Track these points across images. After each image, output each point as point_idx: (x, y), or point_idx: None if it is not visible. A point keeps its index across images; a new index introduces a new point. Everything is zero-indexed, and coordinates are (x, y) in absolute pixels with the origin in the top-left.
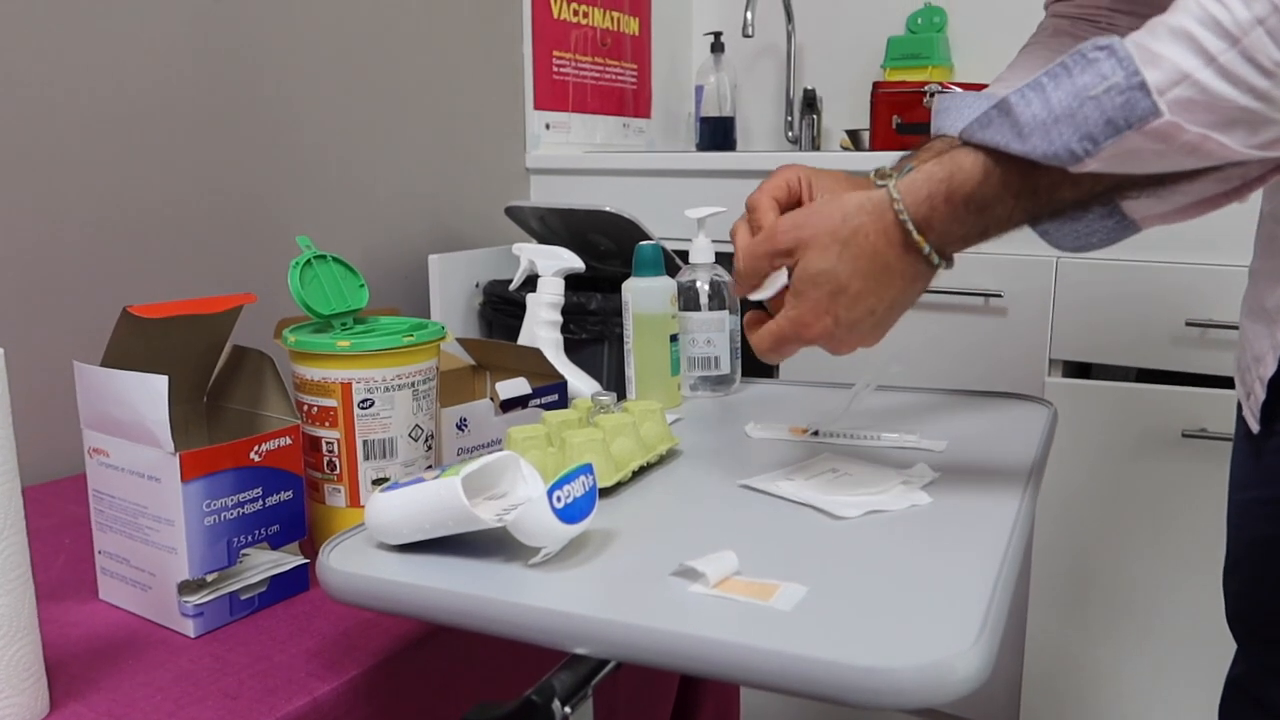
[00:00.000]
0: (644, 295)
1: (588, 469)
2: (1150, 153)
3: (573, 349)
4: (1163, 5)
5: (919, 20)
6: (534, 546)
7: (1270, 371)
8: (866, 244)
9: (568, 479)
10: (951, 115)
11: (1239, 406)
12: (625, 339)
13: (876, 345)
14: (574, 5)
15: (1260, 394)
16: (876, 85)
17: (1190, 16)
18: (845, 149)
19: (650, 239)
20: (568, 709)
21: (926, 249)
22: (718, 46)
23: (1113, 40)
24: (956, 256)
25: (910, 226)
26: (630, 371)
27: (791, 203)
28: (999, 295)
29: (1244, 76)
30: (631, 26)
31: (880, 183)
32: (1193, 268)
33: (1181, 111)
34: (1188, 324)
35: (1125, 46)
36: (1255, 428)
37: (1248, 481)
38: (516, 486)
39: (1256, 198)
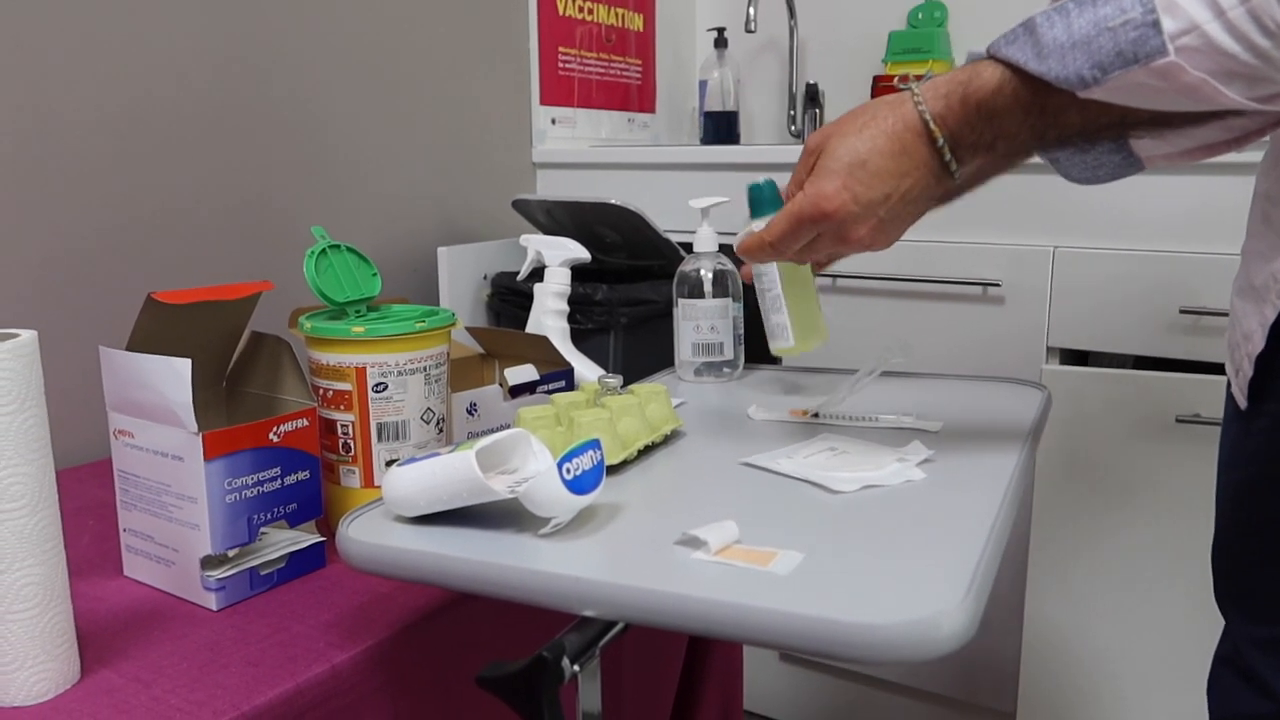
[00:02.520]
0: None
1: (595, 444)
2: (1151, 89)
3: (579, 339)
4: None
5: (920, 15)
6: (544, 517)
7: (1259, 348)
8: (885, 125)
9: (577, 452)
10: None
11: (1228, 387)
12: (767, 286)
13: (887, 248)
14: (579, 2)
15: (1248, 370)
16: (877, 79)
17: None
18: None
19: (655, 230)
20: (576, 667)
21: (940, 140)
22: (721, 42)
23: None
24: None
25: (927, 116)
26: (782, 316)
27: None
28: (997, 285)
29: (1247, 33)
30: (636, 22)
31: (903, 86)
32: (1186, 256)
33: (1187, 56)
34: (1181, 311)
35: None
36: (1243, 404)
37: (1236, 461)
38: (527, 462)
39: (1249, 181)
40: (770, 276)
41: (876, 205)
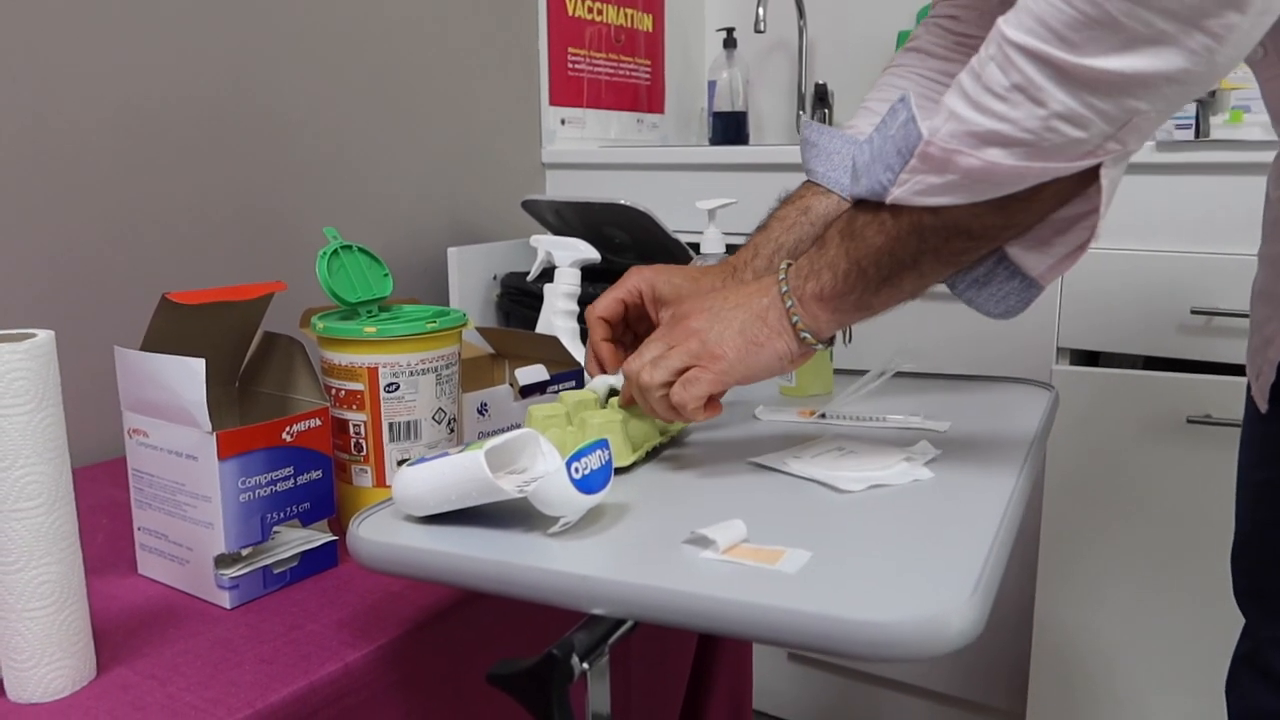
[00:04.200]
0: None
1: (604, 443)
2: (932, 175)
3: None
4: None
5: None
6: (553, 516)
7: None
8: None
9: (585, 452)
10: (820, 160)
11: (1249, 389)
12: None
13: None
14: (588, 2)
15: (1270, 375)
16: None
17: (965, 69)
18: None
19: (664, 231)
20: (586, 665)
21: (783, 273)
22: (730, 42)
23: (907, 94)
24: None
25: (782, 265)
26: None
27: (629, 316)
28: None
29: (985, 103)
30: (645, 23)
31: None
32: (1197, 257)
33: (951, 139)
34: (1193, 312)
35: (912, 96)
36: (1263, 408)
37: (1258, 462)
38: (536, 462)
39: (1262, 183)
40: None
41: (713, 308)
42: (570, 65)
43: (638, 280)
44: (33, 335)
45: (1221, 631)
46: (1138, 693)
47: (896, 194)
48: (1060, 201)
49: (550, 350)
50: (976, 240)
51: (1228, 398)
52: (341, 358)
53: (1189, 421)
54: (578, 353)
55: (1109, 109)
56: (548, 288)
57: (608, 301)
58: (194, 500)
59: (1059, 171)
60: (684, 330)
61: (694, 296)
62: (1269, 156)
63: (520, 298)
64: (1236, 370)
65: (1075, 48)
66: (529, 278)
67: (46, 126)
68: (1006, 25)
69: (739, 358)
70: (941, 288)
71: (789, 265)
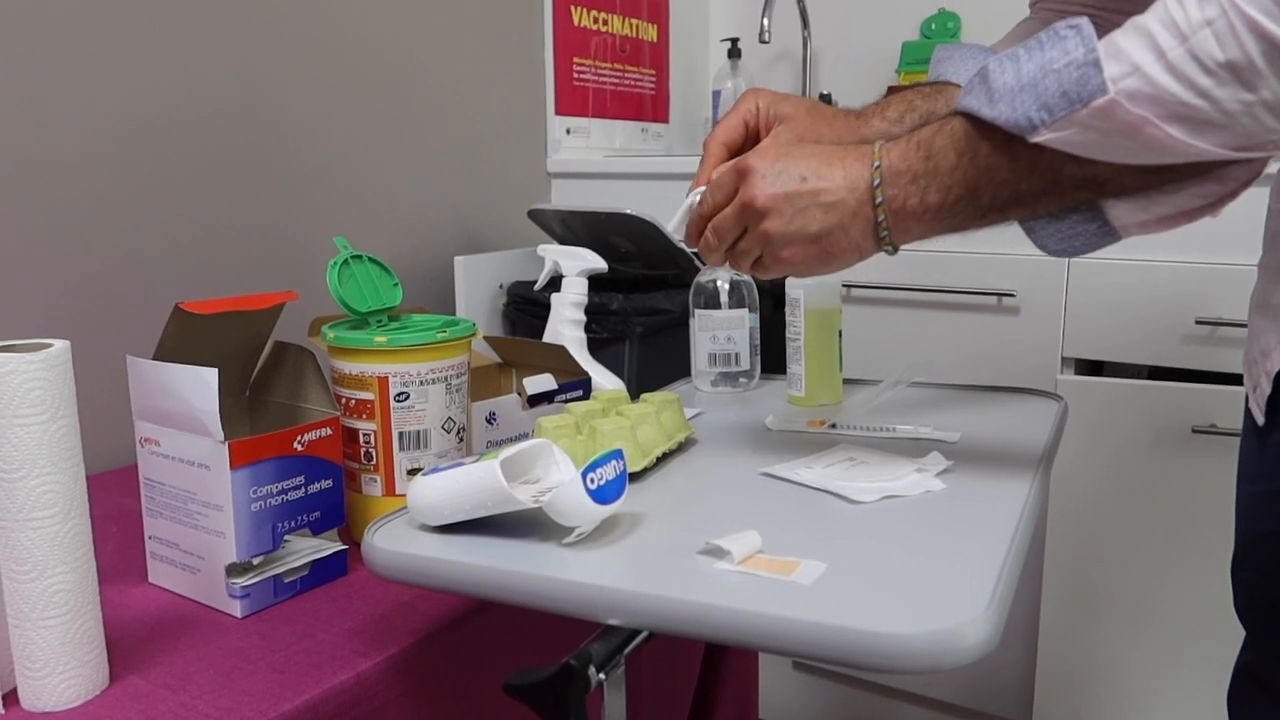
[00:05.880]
0: (816, 291)
1: (619, 454)
2: (1098, 133)
3: (594, 348)
4: (1144, 4)
5: (933, 25)
6: (568, 526)
7: (1277, 366)
8: (841, 146)
9: (600, 462)
10: (954, 64)
11: (1246, 400)
12: (793, 335)
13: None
14: (594, 13)
15: (1266, 388)
16: (890, 90)
17: (1154, 14)
18: None
19: (670, 240)
20: (602, 675)
21: (876, 162)
22: (735, 52)
23: (1082, 20)
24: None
25: (877, 145)
26: (799, 369)
27: (749, 138)
28: (1012, 295)
29: (1188, 73)
30: (650, 33)
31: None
32: (1202, 267)
33: (1129, 97)
34: (1197, 322)
35: (1090, 27)
36: (1260, 420)
37: (1255, 474)
38: (550, 472)
39: (1264, 194)
40: (797, 327)
41: (789, 178)
42: (576, 75)
43: (755, 98)
44: (49, 345)
45: (1229, 642)
46: (1144, 704)
47: (1048, 138)
48: (1210, 177)
49: (558, 359)
50: (1105, 193)
51: (1232, 407)
52: (352, 367)
53: (1194, 431)
54: (585, 362)
55: None
56: (555, 297)
57: (730, 122)
58: (205, 509)
59: (1234, 156)
60: (750, 196)
61: (801, 122)
62: (1274, 168)
63: (527, 307)
64: (1241, 380)
65: None
66: (536, 287)
67: (62, 143)
68: None
69: (804, 265)
70: (940, 297)
71: (881, 163)
